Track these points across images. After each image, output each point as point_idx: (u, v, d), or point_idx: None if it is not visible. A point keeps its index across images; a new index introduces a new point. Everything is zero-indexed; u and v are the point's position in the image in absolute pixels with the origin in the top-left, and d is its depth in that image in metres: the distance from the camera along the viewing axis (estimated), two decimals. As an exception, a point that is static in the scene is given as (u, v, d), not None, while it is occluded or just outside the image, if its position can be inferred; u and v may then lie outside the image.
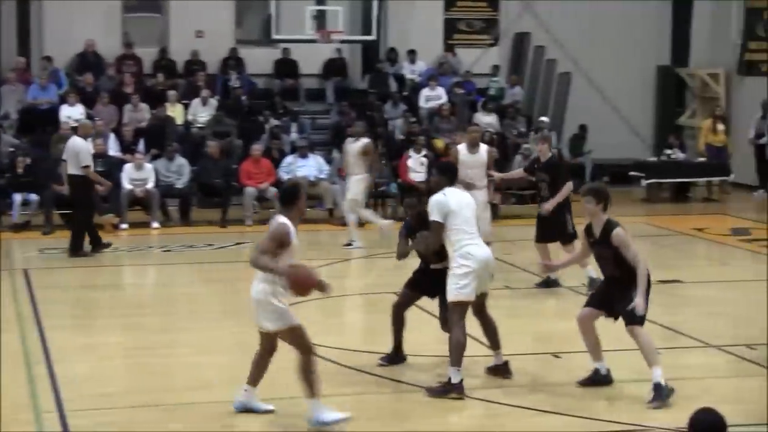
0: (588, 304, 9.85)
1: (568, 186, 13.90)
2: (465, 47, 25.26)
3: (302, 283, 8.71)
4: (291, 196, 8.88)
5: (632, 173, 23.64)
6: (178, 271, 16.01)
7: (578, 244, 13.72)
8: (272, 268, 8.59)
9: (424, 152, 20.28)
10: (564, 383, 10.20)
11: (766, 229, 18.44)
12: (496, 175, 15.09)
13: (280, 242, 8.64)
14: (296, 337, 8.86)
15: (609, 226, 9.46)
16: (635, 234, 16.35)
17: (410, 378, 10.34)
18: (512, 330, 11.57)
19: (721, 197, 22.89)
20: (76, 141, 16.42)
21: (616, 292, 9.46)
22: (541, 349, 11.45)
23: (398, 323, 10.61)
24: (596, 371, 9.86)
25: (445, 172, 10.14)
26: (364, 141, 17.16)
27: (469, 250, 9.74)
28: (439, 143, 21.61)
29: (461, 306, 9.76)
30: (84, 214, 16.51)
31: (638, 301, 9.16)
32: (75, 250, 16.34)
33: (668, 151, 23.68)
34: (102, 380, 10.24)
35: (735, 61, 25.48)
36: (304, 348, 8.86)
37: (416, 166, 20.15)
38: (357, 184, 17.13)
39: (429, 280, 10.45)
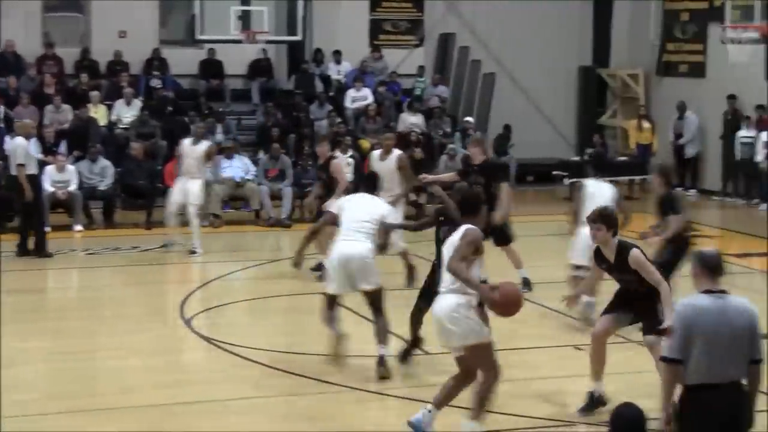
0: (608, 311, 9.47)
1: (507, 189, 13.73)
2: (390, 48, 25.33)
3: (512, 303, 8.46)
4: (474, 205, 8.81)
5: (555, 172, 23.89)
6: (103, 274, 15.86)
7: (514, 247, 13.89)
8: (474, 284, 8.40)
9: (350, 153, 20.30)
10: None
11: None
12: (428, 177, 14.60)
13: (476, 248, 8.50)
14: (485, 354, 8.54)
15: (623, 249, 9.07)
16: (557, 232, 16.63)
17: (339, 379, 10.38)
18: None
19: (641, 195, 23.20)
20: (15, 141, 16.35)
21: (637, 305, 9.19)
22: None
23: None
24: (591, 395, 9.40)
25: (364, 180, 11.28)
26: (397, 153, 15.00)
27: (335, 246, 10.60)
28: (366, 144, 21.66)
29: (325, 297, 10.76)
30: (29, 215, 16.39)
31: (668, 323, 8.20)
32: (24, 251, 16.29)
33: (590, 150, 23.97)
34: (26, 386, 10.14)
35: (654, 61, 25.85)
36: (491, 367, 8.56)
37: (342, 167, 20.12)
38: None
39: None
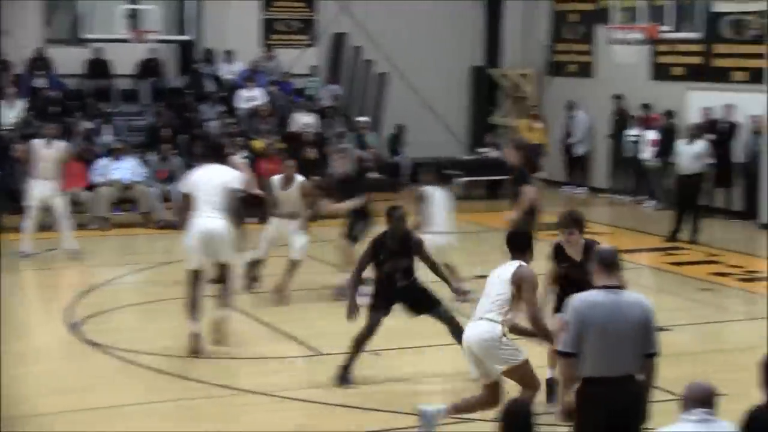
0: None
1: (355, 201, 13.93)
2: (283, 47, 25.25)
3: None
4: (527, 243, 8.74)
5: (448, 171, 24.03)
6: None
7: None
8: (551, 338, 8.50)
9: (242, 153, 20.20)
10: (382, 380, 10.38)
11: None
12: (330, 207, 14.28)
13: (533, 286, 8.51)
14: (525, 373, 8.58)
15: (590, 245, 9.22)
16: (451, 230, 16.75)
17: (230, 382, 10.33)
18: (333, 330, 11.70)
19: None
20: None
21: None
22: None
23: None
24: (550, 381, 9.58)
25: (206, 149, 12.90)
26: (299, 180, 14.14)
27: (194, 222, 11.23)
28: (258, 144, 21.56)
29: (187, 273, 11.34)
30: None
31: None
32: None
33: (482, 150, 24.23)
34: None
35: (544, 62, 26.19)
36: (531, 384, 8.63)
37: (242, 165, 20.01)
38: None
39: None
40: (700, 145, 18.29)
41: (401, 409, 9.42)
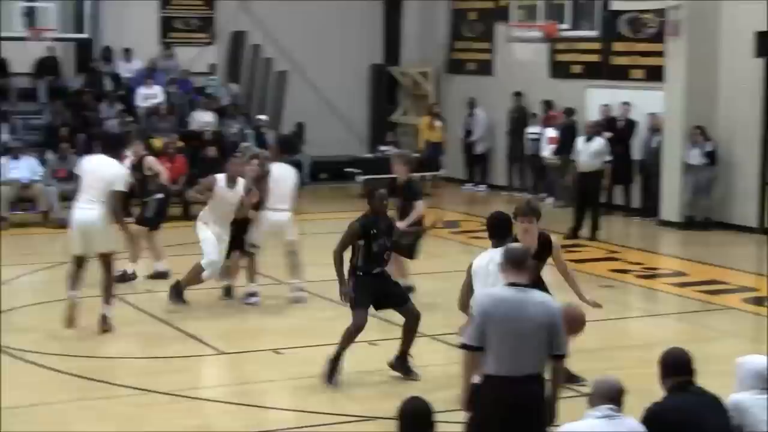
0: None
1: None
2: (182, 46, 25.05)
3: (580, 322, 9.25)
4: (507, 227, 8.89)
5: (349, 169, 24.09)
6: None
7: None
8: None
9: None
10: (285, 378, 10.37)
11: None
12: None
13: None
14: None
15: (545, 237, 9.47)
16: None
17: (133, 382, 10.24)
18: (235, 329, 11.66)
19: (433, 191, 23.60)
20: None
21: None
22: (262, 346, 11.59)
23: None
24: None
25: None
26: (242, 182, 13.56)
27: (73, 212, 11.71)
28: (157, 143, 21.34)
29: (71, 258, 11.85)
30: None
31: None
32: None
33: (383, 148, 24.30)
34: None
35: (443, 60, 26.35)
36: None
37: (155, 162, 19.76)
38: None
39: None
40: (599, 143, 18.54)
41: (304, 408, 9.43)
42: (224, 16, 25.42)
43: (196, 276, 13.03)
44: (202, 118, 22.82)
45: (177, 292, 12.99)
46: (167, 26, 25.18)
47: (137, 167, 14.73)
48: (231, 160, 13.52)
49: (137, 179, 14.57)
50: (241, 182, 13.18)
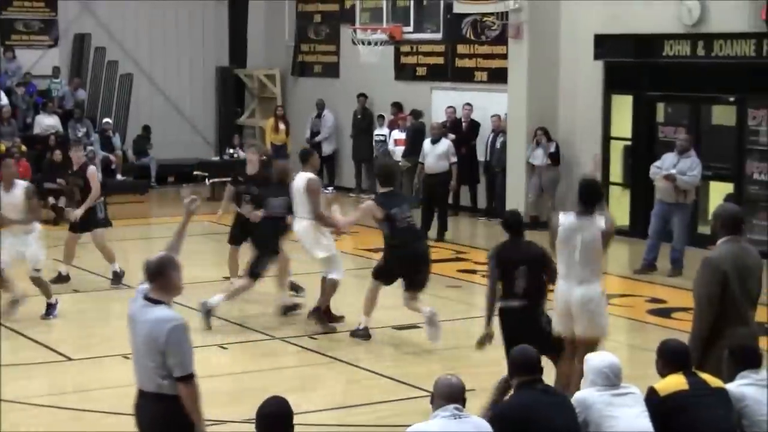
0: None
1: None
2: (23, 48, 24.54)
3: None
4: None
5: (196, 172, 23.92)
6: None
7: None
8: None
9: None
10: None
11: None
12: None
13: None
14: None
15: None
16: (201, 233, 16.71)
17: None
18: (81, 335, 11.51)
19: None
20: None
21: None
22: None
23: None
24: None
25: None
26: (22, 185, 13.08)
27: None
28: (1, 148, 20.89)
29: None
30: None
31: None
32: None
33: (230, 151, 24.21)
34: None
35: (289, 62, 26.37)
36: None
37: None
38: None
39: None
40: (445, 145, 18.75)
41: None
42: (67, 18, 24.98)
43: None
44: (47, 122, 22.40)
45: None
46: (8, 28, 24.62)
47: (80, 174, 14.43)
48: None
49: (78, 186, 14.38)
50: (20, 185, 12.74)
